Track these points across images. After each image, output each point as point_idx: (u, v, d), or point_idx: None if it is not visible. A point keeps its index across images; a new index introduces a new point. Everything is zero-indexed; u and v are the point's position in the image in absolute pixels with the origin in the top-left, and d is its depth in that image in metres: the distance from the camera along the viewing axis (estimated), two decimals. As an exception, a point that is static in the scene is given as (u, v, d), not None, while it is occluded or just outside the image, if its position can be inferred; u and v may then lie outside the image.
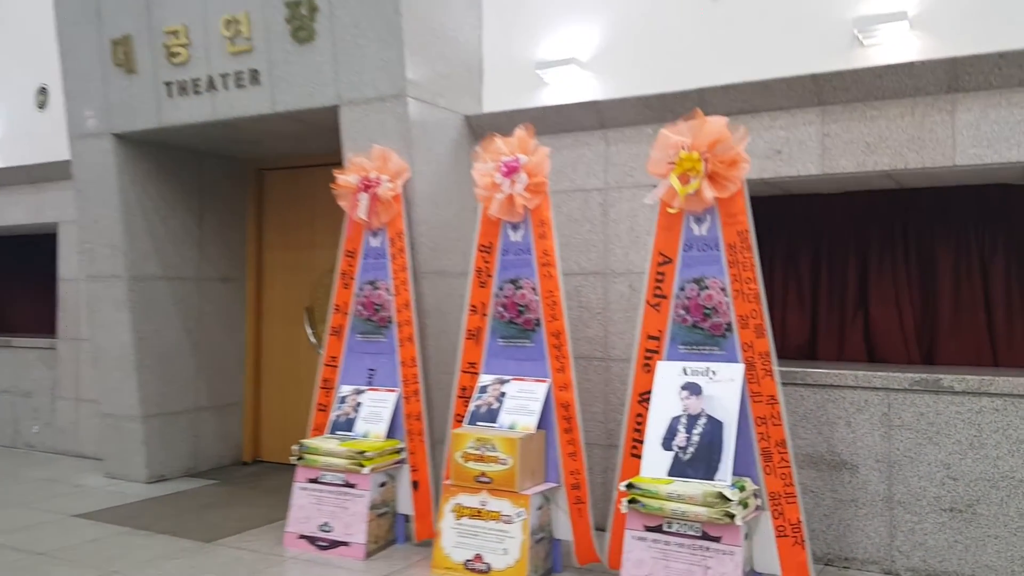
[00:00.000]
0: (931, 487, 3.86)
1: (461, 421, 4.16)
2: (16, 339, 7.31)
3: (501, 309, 4.18)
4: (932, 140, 3.92)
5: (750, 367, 3.56)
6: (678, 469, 3.51)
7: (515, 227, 4.17)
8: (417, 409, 4.37)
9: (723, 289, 3.64)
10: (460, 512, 3.92)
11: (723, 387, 3.57)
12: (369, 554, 4.16)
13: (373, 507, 4.22)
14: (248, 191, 6.52)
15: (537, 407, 3.97)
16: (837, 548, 4.06)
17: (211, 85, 5.10)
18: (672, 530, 3.42)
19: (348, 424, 4.47)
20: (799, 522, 3.47)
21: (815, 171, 4.17)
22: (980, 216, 4.43)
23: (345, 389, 4.60)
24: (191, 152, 6.08)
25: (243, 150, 6.15)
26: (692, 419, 3.57)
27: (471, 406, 4.13)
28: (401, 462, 4.39)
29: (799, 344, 4.87)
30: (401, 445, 4.39)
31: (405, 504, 4.39)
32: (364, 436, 4.40)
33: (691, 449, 3.52)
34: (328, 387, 4.68)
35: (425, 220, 4.62)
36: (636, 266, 4.59)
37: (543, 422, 4.00)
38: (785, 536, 3.48)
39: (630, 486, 3.47)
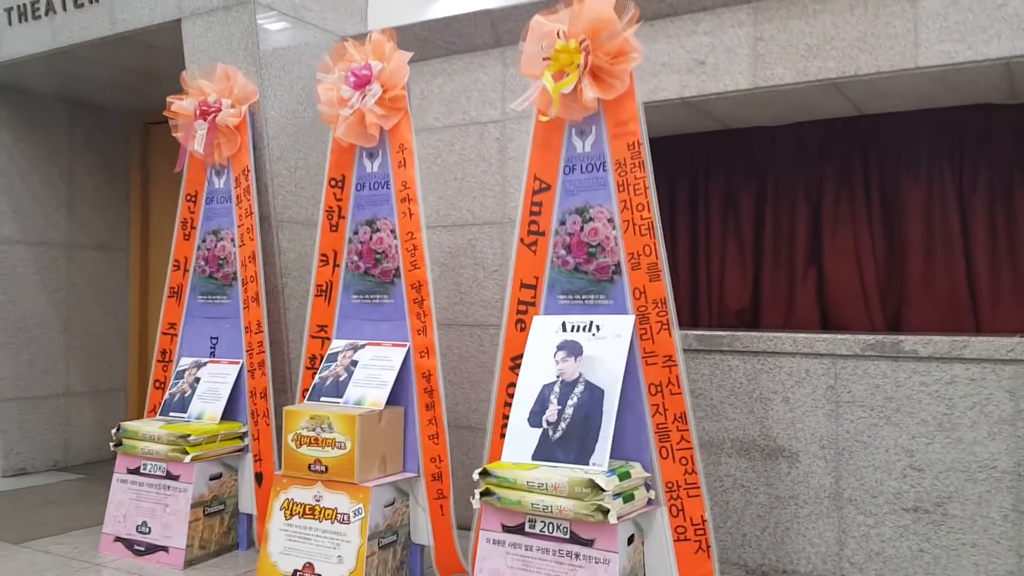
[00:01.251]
0: (890, 480, 3.02)
1: (307, 397, 3.35)
2: None
3: (356, 258, 3.36)
4: (889, 36, 3.08)
5: (642, 319, 2.73)
6: (545, 451, 2.69)
7: (371, 155, 3.36)
8: (263, 385, 3.55)
9: (610, 220, 2.82)
10: (291, 509, 3.11)
11: (607, 345, 2.74)
12: (190, 562, 3.34)
13: (200, 504, 3.40)
14: (130, 148, 5.72)
15: (390, 377, 3.15)
16: (773, 557, 3.21)
17: (50, 6, 4.32)
18: (536, 531, 2.59)
19: (183, 404, 3.66)
20: (703, 521, 2.64)
21: (746, 84, 3.34)
22: (956, 147, 3.58)
23: (184, 362, 3.79)
24: (58, 101, 5.30)
25: (118, 100, 5.37)
26: (567, 387, 2.75)
27: (316, 378, 3.32)
28: (243, 450, 3.58)
29: (739, 309, 4.03)
30: (244, 429, 3.58)
31: (247, 501, 3.57)
32: (197, 418, 3.59)
33: (563, 425, 2.69)
34: (167, 360, 3.88)
35: (282, 157, 3.82)
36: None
37: (404, 397, 3.18)
38: (686, 540, 2.65)
39: (484, 473, 2.65)
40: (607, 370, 2.70)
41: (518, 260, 2.96)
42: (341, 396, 3.18)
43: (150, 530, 3.41)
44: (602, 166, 2.83)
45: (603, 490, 2.44)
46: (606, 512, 2.42)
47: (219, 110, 3.64)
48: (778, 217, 3.94)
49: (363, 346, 3.28)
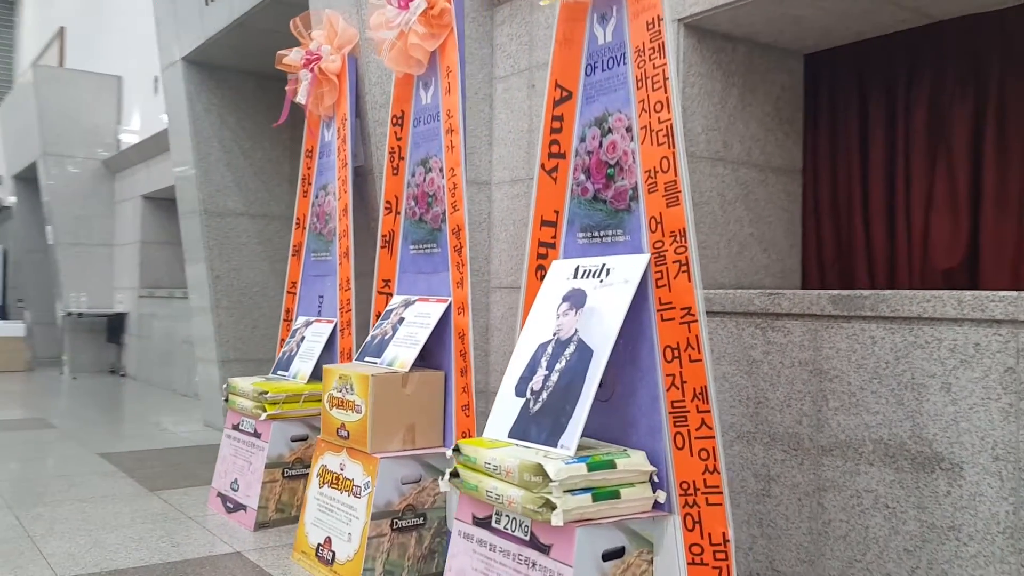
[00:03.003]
0: (1093, 515, 1.93)
1: (370, 358, 3.04)
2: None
3: (412, 203, 2.98)
4: None
5: (658, 258, 2.01)
6: (522, 426, 2.09)
7: (426, 84, 2.95)
8: (349, 345, 3.33)
9: (628, 129, 2.12)
10: (324, 477, 2.83)
11: (610, 294, 2.06)
12: (261, 524, 3.21)
13: (278, 465, 3.27)
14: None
15: (423, 336, 2.72)
16: (918, 610, 2.25)
17: (227, -18, 4.52)
18: (500, 526, 2.03)
19: (288, 362, 3.57)
20: (725, 541, 1.87)
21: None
22: None
23: (299, 321, 3.70)
24: (279, 81, 5.58)
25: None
26: (559, 347, 2.12)
27: (368, 337, 3.00)
28: (330, 412, 3.37)
29: (949, 268, 2.95)
30: (335, 391, 3.38)
31: (333, 467, 3.36)
32: (294, 377, 3.46)
33: (544, 395, 2.07)
34: (289, 319, 3.82)
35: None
36: (655, 148, 3.07)
37: (443, 360, 2.75)
38: (702, 564, 1.90)
39: (456, 450, 2.14)
40: (602, 325, 2.02)
41: (539, 192, 2.37)
42: (380, 356, 2.83)
43: (239, 487, 3.35)
44: (622, 58, 2.15)
45: (550, 479, 1.81)
46: (554, 507, 1.79)
47: (320, 58, 3.48)
48: (1004, 143, 2.81)
49: (414, 302, 2.90)
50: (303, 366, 3.42)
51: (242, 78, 5.47)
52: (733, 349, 2.74)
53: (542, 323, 2.21)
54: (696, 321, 1.93)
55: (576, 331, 2.08)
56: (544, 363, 2.12)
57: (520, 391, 2.14)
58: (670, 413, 1.97)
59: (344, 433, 2.70)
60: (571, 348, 2.07)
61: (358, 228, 3.48)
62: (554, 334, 2.15)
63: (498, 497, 1.94)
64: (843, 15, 2.87)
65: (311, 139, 3.74)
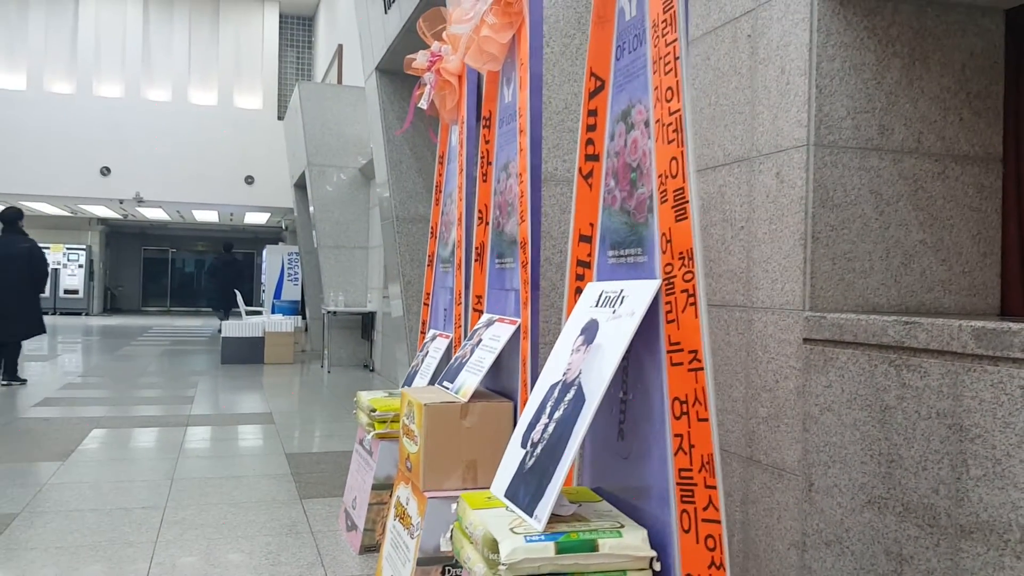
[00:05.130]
0: None
1: (460, 380, 2.82)
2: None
3: (497, 212, 2.71)
4: None
5: (668, 285, 1.59)
6: (515, 484, 1.75)
7: (508, 80, 2.65)
8: (459, 363, 3.13)
9: (646, 124, 1.70)
10: (396, 509, 2.66)
11: (616, 328, 1.66)
12: (367, 547, 3.12)
13: (384, 487, 3.15)
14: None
15: (488, 361, 2.44)
16: None
17: (395, -11, 4.51)
18: (484, 604, 1.71)
19: (412, 378, 3.44)
20: (725, 667, 1.42)
21: None
22: None
23: (429, 334, 3.56)
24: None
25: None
26: (564, 390, 1.75)
27: (453, 358, 2.78)
28: (443, 434, 3.19)
29: None
30: (449, 411, 3.20)
31: (443, 492, 3.18)
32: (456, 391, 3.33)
33: (539, 449, 1.72)
34: (424, 331, 3.70)
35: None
36: (785, 137, 2.53)
37: (513, 388, 2.46)
38: None
39: (458, 505, 1.86)
40: (599, 368, 1.63)
41: (577, 201, 2.00)
42: (453, 381, 2.59)
43: (356, 506, 3.29)
44: (643, 36, 1.73)
45: (499, 563, 1.48)
46: (500, 599, 1.46)
47: (441, 59, 3.31)
48: None
49: (494, 322, 2.62)
50: (421, 383, 3.28)
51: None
52: (864, 391, 2.18)
53: (558, 360, 1.85)
54: (703, 369, 1.48)
55: (580, 372, 1.71)
56: (548, 409, 1.77)
57: (524, 441, 1.81)
58: (678, 484, 1.54)
59: (409, 465, 2.51)
60: (571, 393, 1.70)
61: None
62: (564, 374, 1.78)
63: (470, 570, 1.63)
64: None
65: (442, 144, 3.59)
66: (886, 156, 2.51)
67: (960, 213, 2.59)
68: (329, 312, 9.75)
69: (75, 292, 20.04)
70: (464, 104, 3.24)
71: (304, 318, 13.00)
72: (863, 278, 2.49)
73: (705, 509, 1.48)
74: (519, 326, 2.42)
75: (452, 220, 3.39)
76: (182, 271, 26.65)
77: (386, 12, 4.84)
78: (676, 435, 1.55)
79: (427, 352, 3.41)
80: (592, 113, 1.94)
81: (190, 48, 17.06)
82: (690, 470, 1.51)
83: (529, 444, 1.77)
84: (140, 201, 15.90)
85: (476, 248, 2.84)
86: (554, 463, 1.61)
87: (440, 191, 3.59)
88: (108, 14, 16.57)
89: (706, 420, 1.47)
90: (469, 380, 2.46)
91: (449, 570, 2.36)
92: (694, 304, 1.50)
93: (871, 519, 2.15)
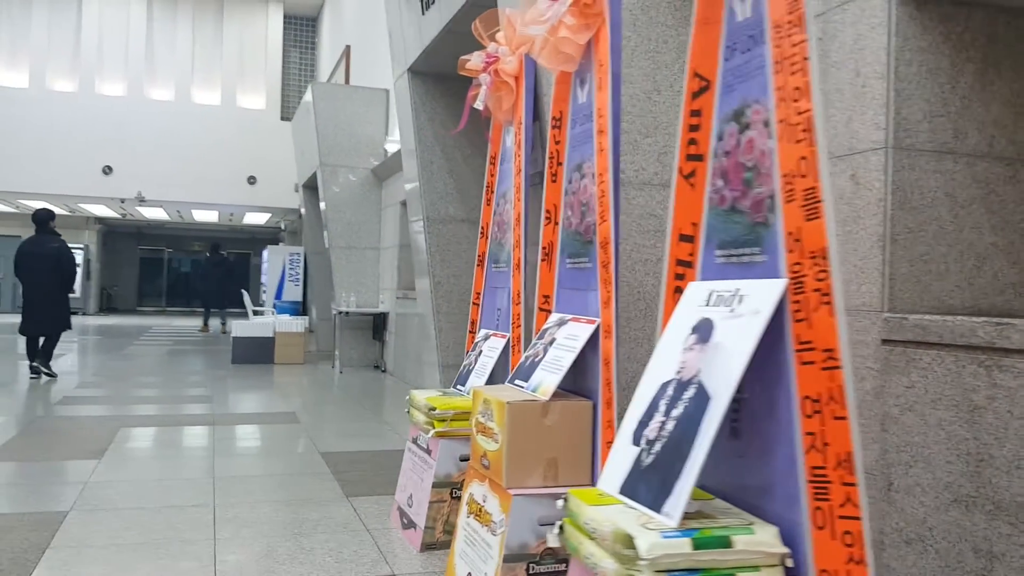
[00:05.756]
0: None
1: (528, 379, 2.83)
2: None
3: (568, 212, 2.72)
4: None
5: (796, 286, 1.61)
6: (632, 481, 1.77)
7: (583, 81, 2.67)
8: (516, 362, 3.14)
9: (766, 124, 1.72)
10: (470, 506, 2.67)
11: (739, 327, 1.68)
12: (428, 545, 3.12)
13: (446, 484, 3.16)
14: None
15: (568, 360, 2.46)
16: None
17: (436, -11, 4.52)
18: (602, 600, 1.73)
19: (465, 377, 3.45)
20: (868, 660, 1.43)
21: None
22: None
23: (480, 334, 3.57)
24: (500, 84, 5.54)
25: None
26: (680, 389, 1.76)
27: (523, 357, 2.79)
28: (501, 433, 3.21)
29: None
30: (507, 410, 3.21)
31: (502, 491, 3.19)
32: (468, 393, 3.34)
33: (657, 446, 1.74)
34: (473, 331, 3.71)
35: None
36: (861, 140, 2.56)
37: (592, 388, 2.47)
38: None
39: (567, 499, 1.87)
40: (726, 367, 1.65)
41: (676, 200, 2.02)
42: (528, 380, 2.60)
43: (412, 504, 3.30)
44: (760, 37, 1.75)
45: (640, 558, 1.49)
46: (638, 593, 1.48)
47: (498, 60, 3.32)
48: None
49: (567, 321, 2.64)
50: (477, 382, 3.29)
51: (462, 85, 5.48)
52: (951, 391, 2.20)
53: (667, 358, 1.87)
54: (839, 368, 1.50)
55: (699, 371, 1.72)
56: (663, 407, 1.78)
57: (636, 438, 1.82)
58: (810, 482, 1.56)
59: (486, 463, 2.52)
60: (690, 391, 1.71)
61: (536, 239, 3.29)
62: (677, 372, 1.80)
63: (595, 565, 1.64)
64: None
65: (495, 145, 3.61)
66: (960, 159, 2.54)
67: (1030, 216, 2.62)
68: (341, 312, 9.74)
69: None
70: (522, 105, 3.26)
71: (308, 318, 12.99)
72: (939, 280, 2.51)
73: (842, 506, 1.49)
74: (598, 325, 2.43)
75: (506, 220, 3.40)
76: (178, 271, 26.56)
77: (424, 13, 4.85)
78: (808, 433, 1.56)
79: (480, 351, 3.42)
80: (695, 113, 1.96)
81: (193, 47, 17.02)
82: (823, 468, 1.53)
83: (644, 442, 1.78)
84: (142, 201, 15.86)
85: (544, 248, 2.85)
86: (680, 460, 1.62)
87: (492, 191, 3.61)
88: (112, 12, 16.52)
89: (843, 418, 1.49)
90: (548, 379, 2.47)
91: (532, 567, 2.37)
92: (828, 303, 1.52)
93: (957, 518, 2.17)
